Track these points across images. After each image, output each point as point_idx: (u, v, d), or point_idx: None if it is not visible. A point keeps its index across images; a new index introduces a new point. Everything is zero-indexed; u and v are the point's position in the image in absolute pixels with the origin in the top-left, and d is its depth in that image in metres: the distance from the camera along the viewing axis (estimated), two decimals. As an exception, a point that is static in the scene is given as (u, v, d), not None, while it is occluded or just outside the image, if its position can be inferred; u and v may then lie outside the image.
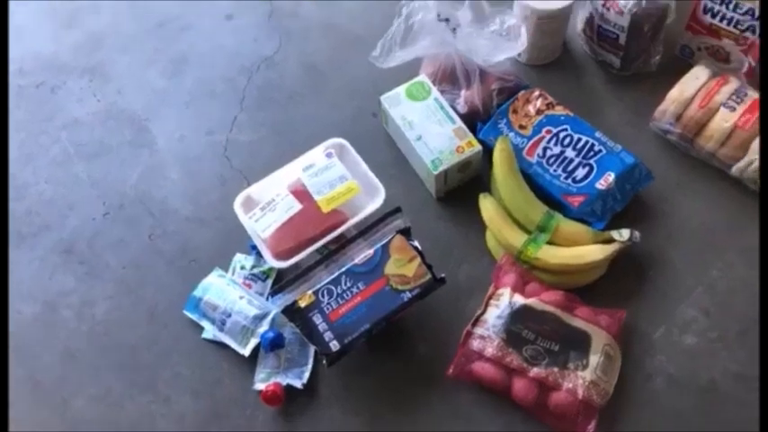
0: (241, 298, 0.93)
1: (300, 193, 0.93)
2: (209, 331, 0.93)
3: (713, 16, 0.96)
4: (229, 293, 0.94)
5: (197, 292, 0.95)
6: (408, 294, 0.85)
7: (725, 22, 0.95)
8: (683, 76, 0.97)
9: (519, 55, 1.08)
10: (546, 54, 1.08)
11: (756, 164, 0.89)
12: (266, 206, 0.93)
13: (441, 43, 0.90)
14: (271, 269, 0.97)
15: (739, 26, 0.94)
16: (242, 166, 1.06)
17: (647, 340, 0.88)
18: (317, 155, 0.95)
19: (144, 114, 1.13)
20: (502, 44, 0.90)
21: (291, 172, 0.95)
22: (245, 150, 1.08)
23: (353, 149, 0.96)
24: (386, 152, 1.04)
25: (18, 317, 0.96)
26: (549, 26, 1.02)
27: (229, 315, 0.92)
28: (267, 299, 0.92)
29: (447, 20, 0.87)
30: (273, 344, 0.90)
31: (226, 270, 0.98)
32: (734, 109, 0.90)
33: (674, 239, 0.93)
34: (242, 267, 0.98)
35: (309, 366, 0.90)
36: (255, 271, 0.97)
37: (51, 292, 0.99)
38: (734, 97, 0.91)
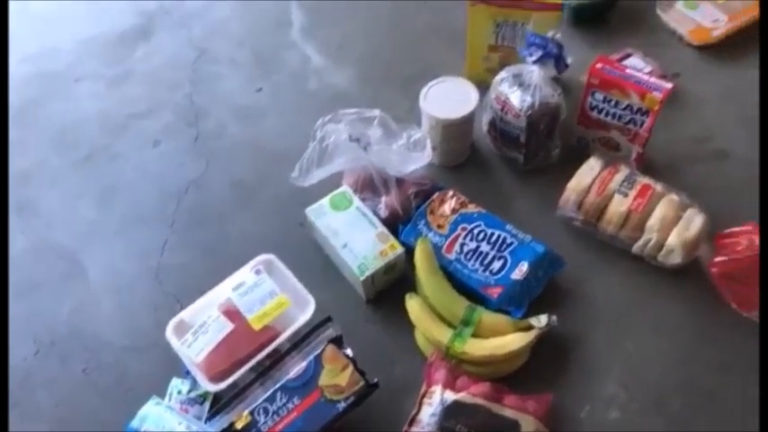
0: (180, 424, 0.92)
1: (232, 313, 0.95)
2: (149, 463, 0.91)
3: (598, 112, 1.06)
4: (167, 421, 0.93)
5: (134, 424, 0.93)
6: (343, 404, 0.87)
7: (609, 116, 1.05)
8: (580, 165, 1.06)
9: (432, 157, 1.16)
10: (456, 156, 1.16)
11: (653, 242, 0.97)
12: (198, 329, 0.94)
13: (355, 159, 0.97)
14: (207, 392, 0.97)
15: (621, 120, 1.04)
16: (174, 290, 1.07)
17: (575, 420, 0.91)
18: (245, 273, 0.98)
19: (74, 247, 1.14)
20: (410, 156, 0.98)
21: (222, 292, 0.97)
22: (177, 273, 1.10)
23: (282, 264, 0.99)
24: (315, 260, 1.08)
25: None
26: (454, 132, 1.11)
27: (167, 444, 0.91)
28: (205, 422, 0.92)
29: (358, 140, 0.94)
30: (209, 470, 0.89)
31: (163, 397, 0.97)
32: (626, 195, 0.99)
33: (589, 319, 0.99)
34: (179, 392, 0.97)
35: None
36: (192, 395, 0.96)
37: (-19, 440, 0.96)
38: (625, 184, 1.00)
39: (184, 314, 0.97)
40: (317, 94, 1.30)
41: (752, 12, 1.27)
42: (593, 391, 0.93)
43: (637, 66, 1.20)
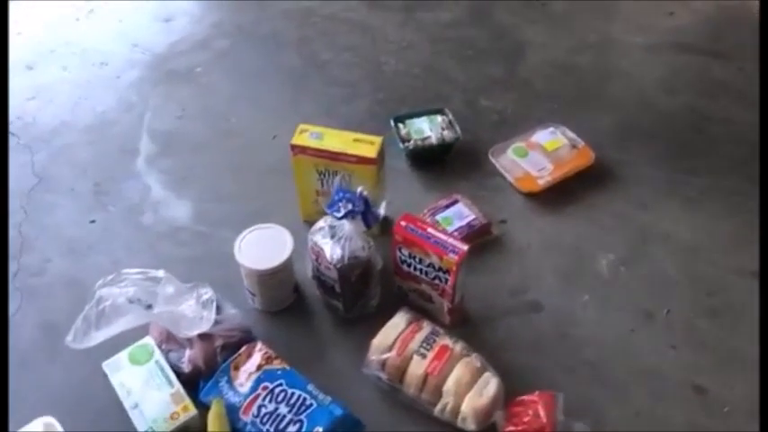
0: None
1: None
2: None
3: (408, 266, 1.07)
4: None
5: None
6: None
7: (417, 271, 1.07)
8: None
9: (254, 302, 1.14)
10: (278, 302, 1.15)
11: (450, 406, 0.96)
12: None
13: (138, 319, 0.94)
14: None
15: (428, 275, 1.06)
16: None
17: None
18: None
19: None
20: (195, 319, 0.96)
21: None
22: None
23: (61, 429, 0.94)
24: (117, 416, 1.01)
25: None
26: (270, 281, 1.10)
27: None
28: None
29: (138, 300, 0.92)
30: None
31: None
32: (424, 356, 0.98)
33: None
34: None
35: None
36: None
37: None
38: (424, 344, 0.99)
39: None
40: (150, 228, 1.28)
41: (576, 162, 1.34)
42: None
43: (462, 213, 1.23)
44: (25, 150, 1.42)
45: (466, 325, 1.11)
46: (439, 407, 0.97)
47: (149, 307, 0.92)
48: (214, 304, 0.97)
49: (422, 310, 1.09)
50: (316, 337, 1.13)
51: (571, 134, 1.40)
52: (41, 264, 1.23)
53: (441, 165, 1.38)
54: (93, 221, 1.29)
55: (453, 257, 1.00)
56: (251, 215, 1.20)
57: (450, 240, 1.02)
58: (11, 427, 0.94)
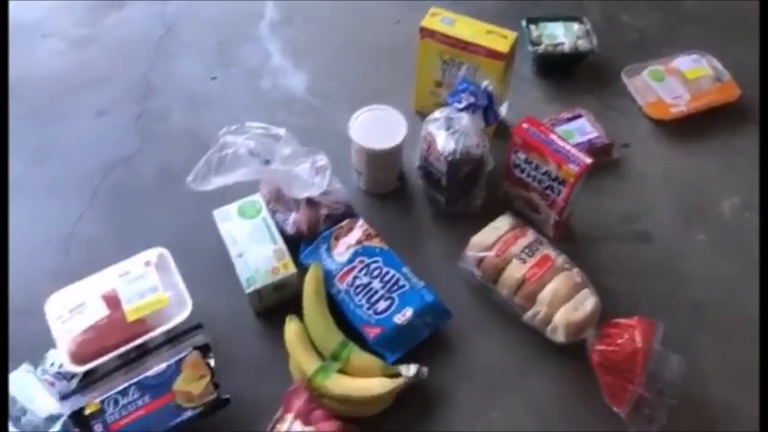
0: (40, 396, 0.94)
1: (111, 300, 0.96)
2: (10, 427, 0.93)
3: (521, 171, 1.04)
4: (29, 390, 0.95)
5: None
6: (190, 412, 0.87)
7: (530, 178, 1.03)
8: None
9: (359, 181, 1.15)
10: (382, 185, 1.15)
11: (541, 315, 0.95)
12: (75, 308, 0.95)
13: (256, 173, 0.96)
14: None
15: (541, 184, 1.02)
16: (79, 262, 1.08)
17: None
18: (135, 262, 0.99)
19: (-3, 202, 1.16)
20: (308, 182, 0.97)
21: (108, 277, 0.98)
22: (86, 246, 1.11)
23: (172, 261, 0.99)
24: (220, 261, 1.08)
25: None
26: (379, 163, 1.10)
27: (25, 412, 0.93)
28: (59, 400, 0.93)
29: (258, 155, 0.94)
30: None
31: (36, 365, 0.99)
32: (524, 261, 0.97)
33: (463, 378, 0.97)
34: (51, 364, 0.99)
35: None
36: (62, 370, 0.98)
37: None
38: (526, 250, 0.98)
39: (68, 290, 0.98)
40: (267, 93, 1.30)
41: (717, 95, 1.24)
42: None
43: (584, 129, 1.17)
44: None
45: (570, 242, 1.08)
46: (530, 313, 0.97)
47: (267, 162, 0.94)
48: (328, 172, 0.98)
49: (526, 219, 1.07)
50: (414, 225, 1.14)
51: (717, 64, 1.28)
52: (163, 111, 1.28)
53: (568, 76, 1.30)
54: (214, 78, 1.32)
55: (573, 169, 0.96)
56: (364, 96, 1.19)
57: (573, 151, 0.98)
58: (126, 254, 1.01)
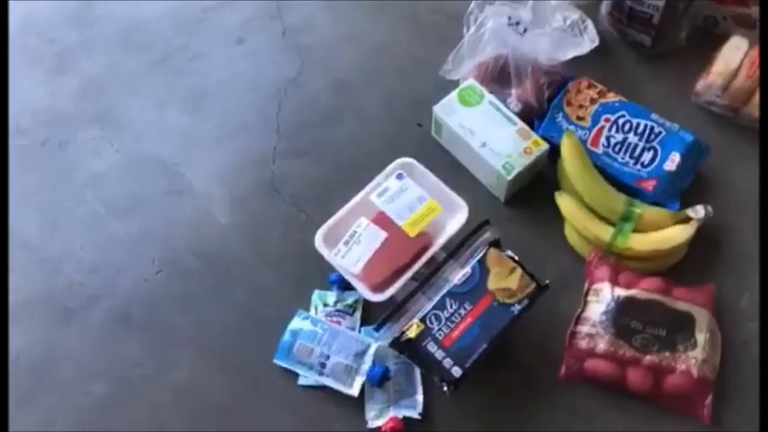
0: (336, 337, 0.91)
1: (382, 221, 0.90)
2: (308, 377, 0.90)
3: (740, -14, 0.99)
4: (322, 335, 0.91)
5: (286, 339, 0.91)
6: (518, 306, 0.85)
7: (752, -10, 0.99)
8: (711, 47, 1.01)
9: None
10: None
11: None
12: (350, 239, 0.89)
13: (502, 46, 0.89)
14: (356, 301, 0.94)
15: (767, -7, 0.98)
16: (295, 199, 1.01)
17: (735, 309, 0.91)
18: (387, 179, 0.93)
19: (172, 159, 1.06)
20: (568, 41, 0.90)
21: (365, 200, 0.92)
22: (293, 181, 1.03)
23: (423, 167, 0.94)
24: (440, 162, 1.01)
25: (90, 399, 0.89)
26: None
27: (328, 357, 0.89)
28: (376, 331, 0.89)
29: (517, 23, 0.86)
30: (383, 378, 0.88)
31: (306, 310, 0.94)
32: (779, 75, 0.95)
33: (736, 206, 0.97)
34: (324, 305, 0.94)
35: (420, 394, 0.88)
36: (340, 306, 0.94)
37: (120, 366, 0.92)
38: (777, 64, 0.95)
39: (328, 225, 0.91)
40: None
41: None
42: (749, 280, 0.93)
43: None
44: None
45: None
46: (790, 125, 0.96)
47: (525, 30, 0.86)
48: (589, 23, 0.90)
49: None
50: (623, 74, 1.08)
51: None
52: (307, 21, 1.16)
53: None
54: (343, -26, 1.19)
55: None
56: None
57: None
58: (336, 181, 0.94)
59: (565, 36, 0.91)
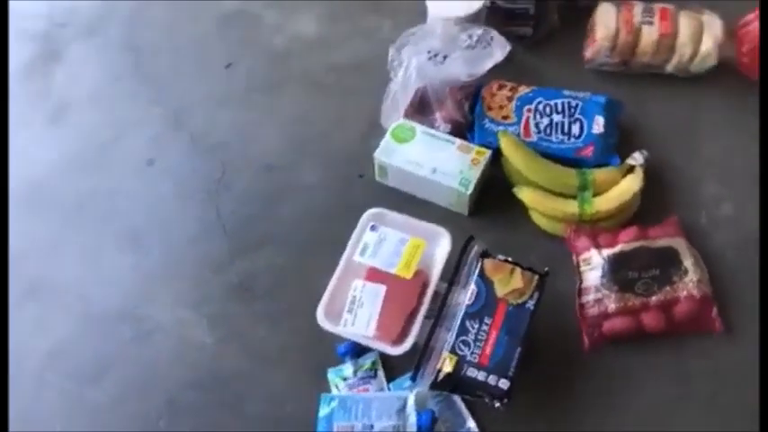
0: (371, 405, 0.87)
1: (375, 276, 0.89)
2: (360, 454, 0.85)
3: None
4: (356, 408, 0.87)
5: (322, 429, 0.86)
6: (531, 302, 0.86)
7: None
8: (580, 20, 1.12)
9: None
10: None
11: (687, 54, 1.06)
12: (352, 306, 0.87)
13: (425, 79, 0.92)
14: (374, 362, 0.91)
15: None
16: (268, 291, 0.97)
17: (699, 227, 0.99)
18: (363, 234, 0.92)
19: (128, 304, 0.97)
20: (481, 55, 0.96)
21: (350, 263, 0.91)
22: (262, 275, 0.99)
23: (390, 211, 0.94)
24: (393, 202, 1.00)
25: None
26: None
27: (371, 427, 0.85)
28: (413, 381, 0.85)
29: (435, 54, 0.90)
30: (433, 422, 0.85)
31: (328, 391, 0.90)
32: (652, 23, 1.06)
33: (660, 144, 1.05)
34: (344, 379, 0.91)
35: (471, 420, 0.87)
36: (361, 374, 0.90)
37: None
38: (646, 15, 1.07)
39: (326, 299, 0.89)
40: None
41: None
42: (698, 198, 1.01)
43: None
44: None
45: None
46: (674, 61, 1.07)
47: (445, 58, 0.90)
48: (494, 33, 0.96)
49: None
50: (522, 67, 1.14)
51: None
52: (209, 121, 1.13)
53: None
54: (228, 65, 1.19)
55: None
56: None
57: None
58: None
59: (476, 52, 0.97)
